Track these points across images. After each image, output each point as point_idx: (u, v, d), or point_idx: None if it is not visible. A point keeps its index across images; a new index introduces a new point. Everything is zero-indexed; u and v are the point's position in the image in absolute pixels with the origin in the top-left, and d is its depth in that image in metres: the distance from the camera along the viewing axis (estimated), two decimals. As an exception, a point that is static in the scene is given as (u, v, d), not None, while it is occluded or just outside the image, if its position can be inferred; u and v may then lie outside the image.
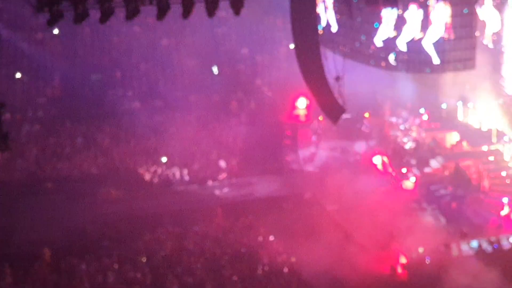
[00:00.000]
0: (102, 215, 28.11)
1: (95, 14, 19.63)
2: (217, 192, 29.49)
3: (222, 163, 31.24)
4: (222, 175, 30.68)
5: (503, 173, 29.36)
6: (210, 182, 30.25)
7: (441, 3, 26.99)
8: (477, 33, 27.87)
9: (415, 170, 29.96)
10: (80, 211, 28.34)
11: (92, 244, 26.19)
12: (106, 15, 19.91)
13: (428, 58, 27.79)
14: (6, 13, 38.49)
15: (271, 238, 26.11)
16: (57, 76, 36.70)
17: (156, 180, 30.13)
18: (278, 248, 25.40)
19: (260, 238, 26.05)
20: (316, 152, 31.11)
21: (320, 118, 29.70)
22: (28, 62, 37.20)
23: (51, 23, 20.70)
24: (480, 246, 25.42)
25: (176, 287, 23.56)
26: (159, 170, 30.68)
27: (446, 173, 29.80)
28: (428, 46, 27.47)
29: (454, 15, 27.08)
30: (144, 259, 24.93)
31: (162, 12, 19.92)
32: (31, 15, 24.91)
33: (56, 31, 35.34)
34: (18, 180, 30.66)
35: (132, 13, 19.90)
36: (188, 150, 31.89)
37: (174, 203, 28.83)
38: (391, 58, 28.55)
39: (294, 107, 33.17)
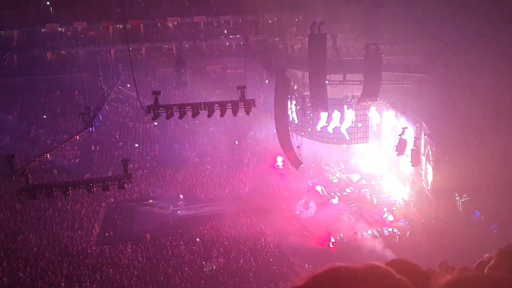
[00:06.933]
0: (177, 216, 28.03)
1: (176, 114, 20.30)
2: (237, 203, 29.10)
3: (239, 190, 31.22)
4: (240, 195, 30.59)
5: (383, 195, 29.37)
6: (233, 199, 30.06)
7: (350, 110, 27.68)
8: (368, 124, 28.47)
9: (338, 193, 29.95)
10: (166, 215, 28.31)
11: (172, 231, 26.12)
12: (182, 115, 20.52)
13: (344, 137, 28.32)
14: (132, 113, 39.29)
15: (263, 226, 25.79)
16: (156, 145, 37.10)
17: (208, 196, 30.00)
18: (269, 233, 25.26)
19: (259, 228, 25.89)
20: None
21: (290, 166, 29.79)
22: (143, 138, 37.71)
23: (154, 119, 21.35)
24: (372, 233, 25.34)
25: (216, 254, 23.42)
26: (208, 192, 30.59)
27: (354, 195, 29.75)
28: (343, 130, 28.03)
29: (356, 115, 27.76)
30: (198, 239, 24.84)
31: (210, 113, 20.50)
32: (144, 114, 25.50)
33: (155, 123, 35.94)
34: (135, 198, 30.65)
35: (195, 114, 20.52)
36: (222, 182, 31.84)
37: (216, 208, 28.40)
38: (325, 136, 29.07)
39: (276, 161, 33.38)
